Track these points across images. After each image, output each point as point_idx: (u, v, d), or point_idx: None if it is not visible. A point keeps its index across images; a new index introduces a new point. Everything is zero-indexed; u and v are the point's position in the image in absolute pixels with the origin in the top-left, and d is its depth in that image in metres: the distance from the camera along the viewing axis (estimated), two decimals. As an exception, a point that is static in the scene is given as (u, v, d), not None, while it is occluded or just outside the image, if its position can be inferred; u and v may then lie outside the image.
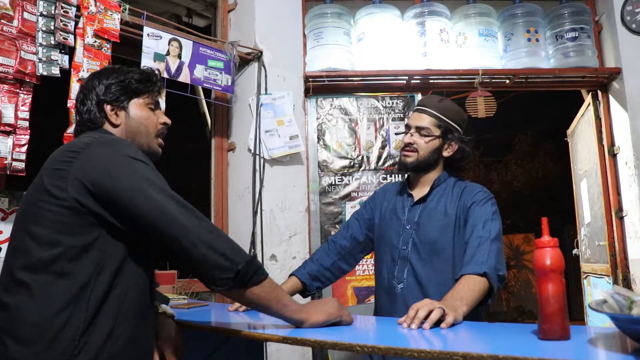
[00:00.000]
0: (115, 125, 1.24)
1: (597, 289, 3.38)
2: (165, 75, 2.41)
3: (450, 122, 1.64)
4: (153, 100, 1.30)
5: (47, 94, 2.13)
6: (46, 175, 1.08)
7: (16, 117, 1.91)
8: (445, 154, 1.67)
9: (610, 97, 3.13)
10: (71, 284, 1.01)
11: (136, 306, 1.10)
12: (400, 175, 3.01)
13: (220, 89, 2.70)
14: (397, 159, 3.03)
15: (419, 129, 1.64)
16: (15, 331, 0.99)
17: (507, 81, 3.15)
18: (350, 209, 2.96)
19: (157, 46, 2.39)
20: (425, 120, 1.64)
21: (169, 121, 1.32)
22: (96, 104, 1.22)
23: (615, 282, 3.01)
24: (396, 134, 3.00)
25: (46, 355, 0.97)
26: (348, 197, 3.00)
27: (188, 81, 2.53)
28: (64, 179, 1.04)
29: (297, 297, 1.61)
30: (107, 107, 1.23)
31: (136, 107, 1.26)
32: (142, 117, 1.26)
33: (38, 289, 1.01)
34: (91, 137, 1.14)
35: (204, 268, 1.06)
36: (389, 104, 3.13)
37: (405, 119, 3.08)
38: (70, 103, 2.03)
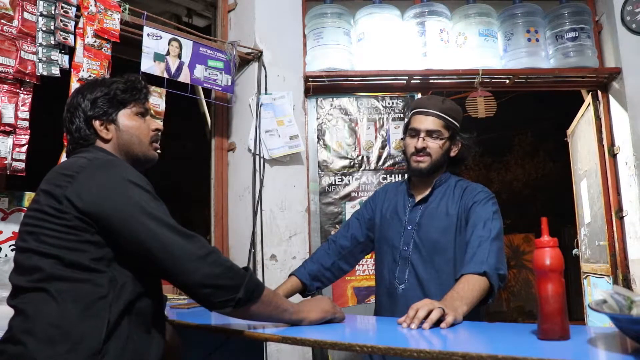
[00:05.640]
0: (106, 141, 1.22)
1: (597, 289, 3.38)
2: (165, 75, 2.41)
3: (454, 122, 1.64)
4: (141, 107, 1.27)
5: (47, 94, 2.13)
6: (43, 196, 1.07)
7: (16, 117, 1.91)
8: (452, 154, 1.67)
9: (610, 97, 3.13)
10: (89, 291, 1.02)
11: (151, 318, 1.11)
12: (400, 175, 3.01)
13: (220, 89, 2.70)
14: (397, 159, 3.04)
15: (430, 133, 1.62)
16: (36, 331, 0.98)
17: (507, 81, 3.14)
18: (350, 209, 2.96)
19: (157, 46, 2.39)
20: (434, 123, 1.62)
21: (160, 126, 1.30)
22: (84, 121, 1.20)
23: (615, 282, 3.01)
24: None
25: (70, 357, 0.97)
26: (348, 197, 3.00)
27: (188, 81, 2.53)
28: (60, 202, 1.04)
29: (297, 297, 1.61)
30: (96, 123, 1.21)
31: (125, 118, 1.24)
32: (132, 127, 1.24)
33: (57, 293, 1.01)
34: (85, 159, 1.12)
35: (201, 294, 1.06)
36: (389, 104, 3.13)
37: (405, 119, 3.08)
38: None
